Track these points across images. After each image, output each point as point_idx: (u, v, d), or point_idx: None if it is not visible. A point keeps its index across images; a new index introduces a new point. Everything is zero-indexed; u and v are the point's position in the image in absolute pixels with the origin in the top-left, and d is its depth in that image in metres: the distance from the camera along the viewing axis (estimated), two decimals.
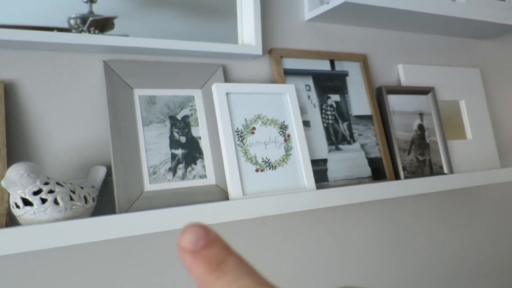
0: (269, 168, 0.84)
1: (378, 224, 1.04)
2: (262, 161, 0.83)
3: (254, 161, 0.82)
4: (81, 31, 0.78)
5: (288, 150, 0.87)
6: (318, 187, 0.88)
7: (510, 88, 1.35)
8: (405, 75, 1.13)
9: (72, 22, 0.78)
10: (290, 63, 0.96)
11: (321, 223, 0.96)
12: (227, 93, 0.83)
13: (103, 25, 0.80)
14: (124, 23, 0.83)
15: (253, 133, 0.84)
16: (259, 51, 0.88)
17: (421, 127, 1.09)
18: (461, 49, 1.27)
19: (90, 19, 0.79)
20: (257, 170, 0.82)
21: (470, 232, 1.18)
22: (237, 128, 0.83)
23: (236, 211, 0.75)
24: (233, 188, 0.78)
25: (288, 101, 0.90)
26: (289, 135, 0.88)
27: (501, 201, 1.28)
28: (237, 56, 0.90)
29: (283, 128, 0.88)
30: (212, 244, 0.20)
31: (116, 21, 0.82)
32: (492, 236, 1.22)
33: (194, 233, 0.20)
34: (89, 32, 0.79)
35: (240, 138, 0.83)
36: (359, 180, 0.96)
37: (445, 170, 1.09)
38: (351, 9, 0.94)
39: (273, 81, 0.94)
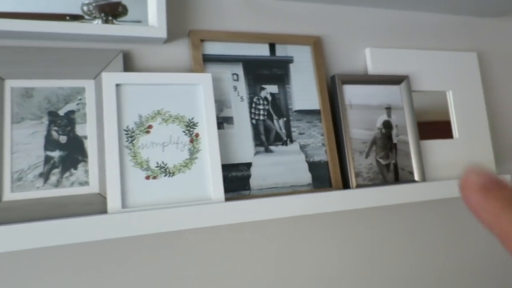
0: (165, 175, 0.70)
1: (320, 239, 0.87)
2: (156, 166, 0.70)
3: (145, 166, 0.69)
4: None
5: (193, 153, 0.72)
6: (233, 198, 0.73)
7: None
8: (373, 61, 0.93)
9: None
10: (215, 48, 0.80)
11: (232, 241, 0.80)
12: (117, 84, 0.70)
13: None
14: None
15: (148, 132, 0.71)
16: (163, 33, 0.74)
17: (387, 124, 0.90)
18: (453, 29, 1.04)
19: None
20: (147, 177, 0.69)
21: (446, 253, 0.97)
22: (127, 127, 0.70)
23: (113, 228, 0.62)
24: (111, 199, 0.65)
25: (201, 93, 0.75)
26: (197, 135, 0.73)
27: None
28: (141, 40, 0.76)
29: (190, 126, 0.73)
30: (503, 185, 0.20)
31: None
32: (474, 255, 1.01)
33: (483, 174, 0.21)
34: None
35: (130, 139, 0.69)
36: (293, 189, 0.80)
37: (416, 176, 0.89)
38: None
39: (190, 70, 0.80)
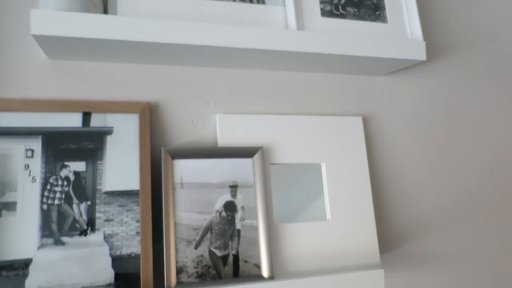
0: None
1: None
2: None
3: None
4: None
5: None
6: None
7: (408, 143, 0.95)
8: (224, 130, 0.80)
9: None
10: (5, 119, 0.69)
11: None
12: None
13: None
14: None
15: None
16: None
17: (230, 206, 0.75)
18: (333, 89, 0.91)
19: None
20: None
21: None
22: None
23: None
24: None
25: None
26: None
27: None
28: None
29: None
30: None
31: None
32: None
33: None
34: None
35: None
36: None
37: (264, 272, 0.73)
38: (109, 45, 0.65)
39: None
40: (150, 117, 0.77)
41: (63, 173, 0.69)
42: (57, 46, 0.65)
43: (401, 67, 0.87)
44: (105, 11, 0.68)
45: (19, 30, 0.72)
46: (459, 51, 1.02)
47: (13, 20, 0.72)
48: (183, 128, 0.80)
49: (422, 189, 0.93)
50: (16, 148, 0.68)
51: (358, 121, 0.89)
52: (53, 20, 0.59)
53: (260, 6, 0.78)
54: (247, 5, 0.77)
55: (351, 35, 0.75)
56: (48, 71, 0.73)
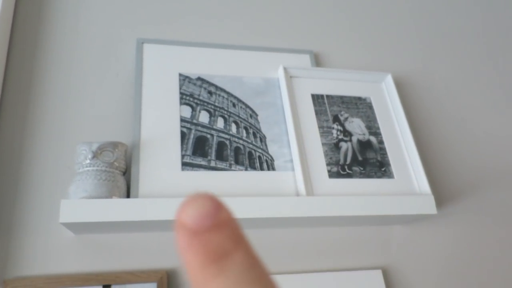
0: None
1: None
2: None
3: None
4: None
5: None
6: None
7: None
8: None
9: None
10: None
11: None
12: None
13: None
14: None
15: None
16: None
17: None
18: (348, 242, 0.91)
19: None
20: None
21: None
22: None
23: None
24: None
25: None
26: None
27: None
28: None
29: None
30: (221, 228, 0.15)
31: None
32: None
33: (201, 207, 0.16)
34: None
35: None
36: None
37: None
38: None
39: None
40: (168, 285, 0.78)
41: None
42: (83, 227, 0.70)
43: (414, 219, 0.88)
44: (128, 191, 0.75)
45: (49, 215, 0.78)
46: (467, 197, 1.03)
47: (44, 206, 0.79)
48: None
49: None
50: None
51: (378, 274, 0.87)
52: (80, 208, 0.65)
53: (271, 172, 0.84)
54: (258, 173, 0.83)
55: (359, 197, 0.78)
56: (73, 246, 0.78)
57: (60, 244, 0.77)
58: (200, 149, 0.83)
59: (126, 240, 0.80)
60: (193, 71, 0.92)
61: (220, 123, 0.87)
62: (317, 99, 0.94)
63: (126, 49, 0.97)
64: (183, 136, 0.83)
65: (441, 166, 1.04)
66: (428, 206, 0.82)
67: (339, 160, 0.87)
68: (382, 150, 0.92)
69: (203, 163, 0.81)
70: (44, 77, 0.90)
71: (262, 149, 0.86)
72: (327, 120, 0.92)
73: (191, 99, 0.88)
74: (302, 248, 0.88)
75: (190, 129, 0.84)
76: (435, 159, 1.05)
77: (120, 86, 0.92)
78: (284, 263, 0.86)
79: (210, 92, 0.90)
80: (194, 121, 0.86)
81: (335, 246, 0.90)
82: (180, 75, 0.91)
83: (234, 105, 0.90)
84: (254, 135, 0.88)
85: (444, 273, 0.93)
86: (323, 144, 0.88)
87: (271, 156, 0.86)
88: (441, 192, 1.01)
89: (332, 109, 0.94)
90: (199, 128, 0.85)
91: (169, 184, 0.77)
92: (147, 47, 0.93)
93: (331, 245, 0.90)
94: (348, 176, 0.86)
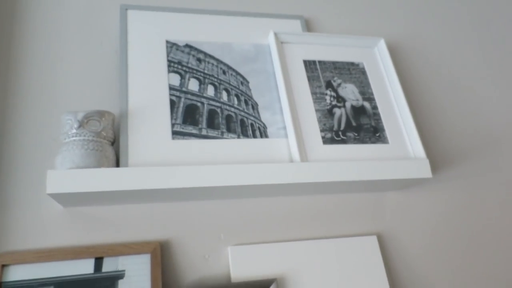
0: None
1: None
2: None
3: None
4: None
5: None
6: None
7: (426, 256, 0.91)
8: (236, 263, 0.79)
9: None
10: (21, 272, 0.69)
11: None
12: None
13: None
14: None
15: None
16: None
17: None
18: (343, 209, 0.90)
19: None
20: None
21: None
22: None
23: None
24: None
25: None
26: None
27: None
28: None
29: None
30: None
31: None
32: None
33: None
34: None
35: None
36: None
37: None
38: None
39: None
40: (162, 256, 0.77)
41: None
42: (71, 199, 0.68)
43: (409, 185, 0.87)
44: (117, 162, 0.72)
45: (36, 187, 0.75)
46: (462, 162, 1.03)
47: (30, 178, 0.76)
48: (195, 264, 0.79)
49: None
50: None
51: (373, 240, 0.87)
52: (67, 178, 0.62)
53: (264, 140, 0.82)
54: (251, 140, 0.81)
55: (354, 162, 0.77)
56: (63, 219, 0.76)
57: (50, 218, 0.75)
58: (190, 117, 0.80)
59: (117, 212, 0.79)
60: (181, 38, 0.89)
61: (210, 91, 0.84)
62: (309, 65, 0.92)
63: (110, 16, 0.92)
64: (172, 104, 0.80)
65: (435, 131, 1.03)
66: (423, 170, 0.81)
67: (333, 126, 0.85)
68: (376, 116, 0.90)
69: (194, 131, 0.79)
70: (25, 46, 0.86)
71: (254, 116, 0.84)
72: (319, 86, 0.89)
73: (180, 66, 0.85)
74: (297, 216, 0.87)
75: (179, 97, 0.82)
76: (429, 124, 1.04)
77: (105, 55, 0.89)
78: (279, 231, 0.85)
79: (199, 60, 0.87)
80: (184, 89, 0.83)
81: (330, 213, 0.89)
82: (167, 42, 0.88)
83: (224, 72, 0.88)
84: (246, 102, 0.85)
85: (439, 238, 0.94)
86: (316, 110, 0.86)
87: (263, 124, 0.84)
88: (435, 157, 1.00)
89: (324, 75, 0.91)
90: (189, 96, 0.82)
91: (159, 154, 0.75)
92: (131, 14, 0.89)
93: (326, 213, 0.89)
94: (342, 142, 0.84)
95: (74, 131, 0.68)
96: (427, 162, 0.83)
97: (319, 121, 0.85)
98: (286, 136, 0.83)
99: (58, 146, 0.78)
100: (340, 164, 0.76)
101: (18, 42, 0.86)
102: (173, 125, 0.78)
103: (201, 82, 0.85)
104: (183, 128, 0.78)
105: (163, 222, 0.80)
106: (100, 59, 0.88)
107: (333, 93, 0.90)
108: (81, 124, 0.68)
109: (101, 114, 0.71)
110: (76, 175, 0.63)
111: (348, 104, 0.90)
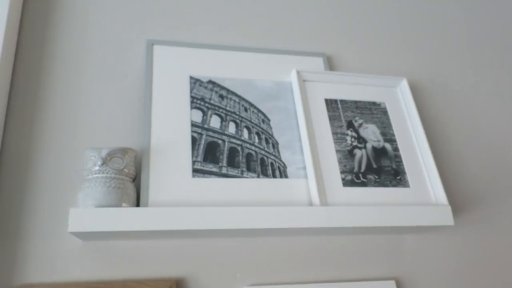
0: None
1: None
2: None
3: None
4: None
5: None
6: None
7: None
8: None
9: None
10: None
11: None
12: None
13: None
14: None
15: None
16: None
17: None
18: (362, 251, 0.89)
19: None
20: None
21: None
22: None
23: None
24: None
25: None
26: None
27: None
28: None
29: None
30: None
31: None
32: None
33: None
34: None
35: None
36: None
37: None
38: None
39: None
40: None
41: None
42: (91, 235, 0.68)
43: (429, 229, 0.86)
44: (138, 201, 0.73)
45: (55, 221, 0.76)
46: (484, 207, 1.01)
47: (50, 212, 0.77)
48: None
49: None
50: None
51: (392, 285, 0.85)
52: (89, 217, 0.63)
53: (283, 180, 0.81)
54: (271, 180, 0.81)
55: (374, 208, 0.76)
56: (81, 253, 0.76)
57: (68, 251, 0.75)
58: (211, 155, 0.80)
59: (135, 248, 0.79)
60: (204, 74, 0.90)
61: (231, 128, 0.85)
62: (331, 104, 0.92)
63: (136, 51, 0.94)
64: (193, 141, 0.81)
65: (456, 174, 1.02)
66: (445, 217, 0.80)
67: (353, 168, 0.85)
68: (397, 158, 0.89)
69: (214, 169, 0.79)
70: (52, 79, 0.88)
71: (274, 155, 0.84)
72: (341, 126, 0.89)
73: (202, 103, 0.86)
74: (313, 256, 0.86)
75: (201, 134, 0.82)
76: (450, 166, 1.02)
77: (129, 89, 0.90)
78: (295, 272, 0.84)
79: (221, 96, 0.88)
80: (205, 126, 0.84)
81: (348, 254, 0.88)
82: (191, 77, 0.89)
83: (246, 110, 0.88)
84: (267, 141, 0.86)
85: (459, 285, 0.91)
86: (337, 151, 0.86)
87: (283, 163, 0.84)
88: (456, 201, 0.98)
89: (346, 115, 0.91)
90: (210, 133, 0.83)
91: (179, 191, 0.75)
92: (157, 49, 0.91)
93: (344, 253, 0.87)
94: (363, 184, 0.83)
95: (97, 168, 0.69)
96: (449, 209, 0.81)
97: (340, 162, 0.84)
98: (305, 176, 0.82)
99: (80, 180, 0.79)
100: (360, 210, 0.75)
101: (46, 74, 0.88)
102: (193, 162, 0.79)
103: (222, 119, 0.85)
104: (203, 166, 0.79)
105: (180, 259, 0.80)
106: (125, 93, 0.90)
107: (354, 134, 0.89)
108: (104, 162, 0.69)
109: (124, 151, 0.72)
110: (98, 214, 0.64)
111: (369, 145, 0.89)
